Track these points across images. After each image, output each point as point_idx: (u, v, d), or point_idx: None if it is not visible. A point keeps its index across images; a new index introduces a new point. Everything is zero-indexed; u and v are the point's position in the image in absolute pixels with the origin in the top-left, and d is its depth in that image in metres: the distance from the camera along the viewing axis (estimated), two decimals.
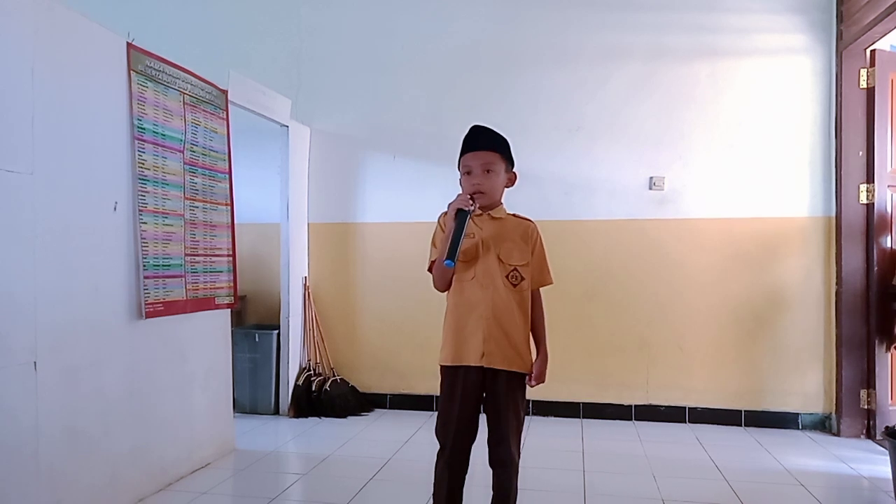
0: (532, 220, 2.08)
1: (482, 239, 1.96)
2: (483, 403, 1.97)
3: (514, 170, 2.05)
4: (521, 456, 1.99)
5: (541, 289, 2.08)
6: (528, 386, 2.00)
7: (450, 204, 1.89)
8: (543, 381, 2.00)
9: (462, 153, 1.99)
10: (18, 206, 2.09)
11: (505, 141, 2.02)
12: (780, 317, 3.87)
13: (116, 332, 2.52)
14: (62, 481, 2.24)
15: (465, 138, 2.00)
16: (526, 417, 3.89)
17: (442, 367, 2.01)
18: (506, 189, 2.07)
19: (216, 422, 3.19)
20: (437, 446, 1.99)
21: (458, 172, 2.02)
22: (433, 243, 2.02)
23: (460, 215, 1.85)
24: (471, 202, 1.88)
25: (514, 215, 2.06)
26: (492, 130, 2.01)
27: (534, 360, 2.01)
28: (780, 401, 3.87)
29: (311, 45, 4.41)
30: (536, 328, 2.03)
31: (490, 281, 1.93)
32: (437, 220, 2.03)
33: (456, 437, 1.95)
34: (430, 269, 2.02)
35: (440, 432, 1.98)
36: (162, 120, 2.77)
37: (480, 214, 1.98)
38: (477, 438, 1.98)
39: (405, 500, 2.63)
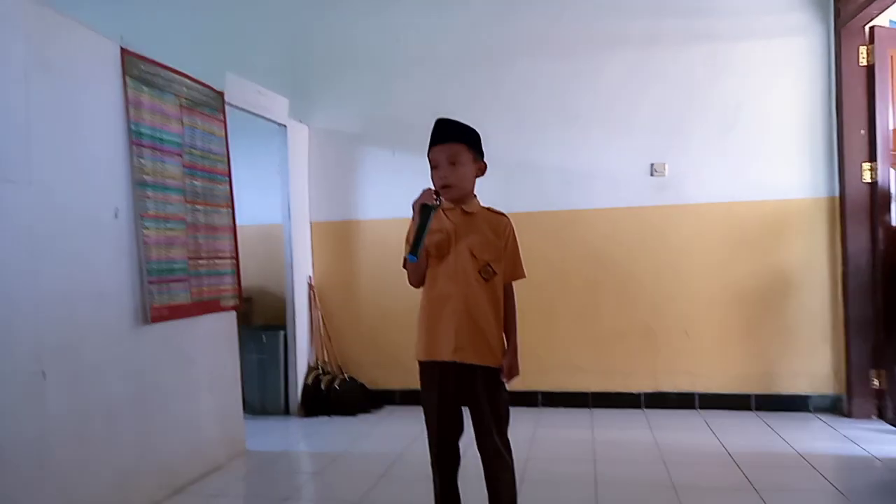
0: (505, 213, 2.06)
1: (454, 233, 1.95)
2: (463, 397, 1.96)
3: (483, 160, 2.02)
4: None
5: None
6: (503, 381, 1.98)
7: (414, 200, 1.88)
8: (517, 374, 1.98)
9: (429, 148, 1.99)
10: (18, 217, 2.09)
11: (471, 131, 1.99)
12: (787, 299, 3.86)
13: (122, 338, 2.52)
14: (71, 488, 2.25)
15: (431, 132, 1.99)
16: (534, 409, 3.95)
17: (419, 361, 2.01)
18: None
19: (226, 424, 3.20)
20: None
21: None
22: (406, 240, 1.98)
23: (424, 211, 1.84)
24: (435, 197, 1.87)
25: (487, 209, 2.04)
26: (456, 122, 1.99)
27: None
28: (789, 384, 3.86)
29: (306, 42, 4.39)
30: (507, 321, 2.01)
31: (462, 276, 1.92)
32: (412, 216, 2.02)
33: (440, 431, 1.96)
34: (404, 265, 2.00)
35: (427, 426, 2.00)
36: (159, 124, 2.76)
37: (453, 208, 1.97)
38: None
39: (417, 496, 2.63)
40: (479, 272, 1.93)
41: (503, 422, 1.97)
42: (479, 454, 1.96)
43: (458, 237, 1.95)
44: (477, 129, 2.01)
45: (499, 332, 1.98)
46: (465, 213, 1.98)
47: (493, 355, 1.95)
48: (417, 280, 2.00)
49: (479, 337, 1.92)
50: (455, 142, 1.95)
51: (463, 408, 1.99)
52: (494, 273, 1.95)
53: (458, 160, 1.94)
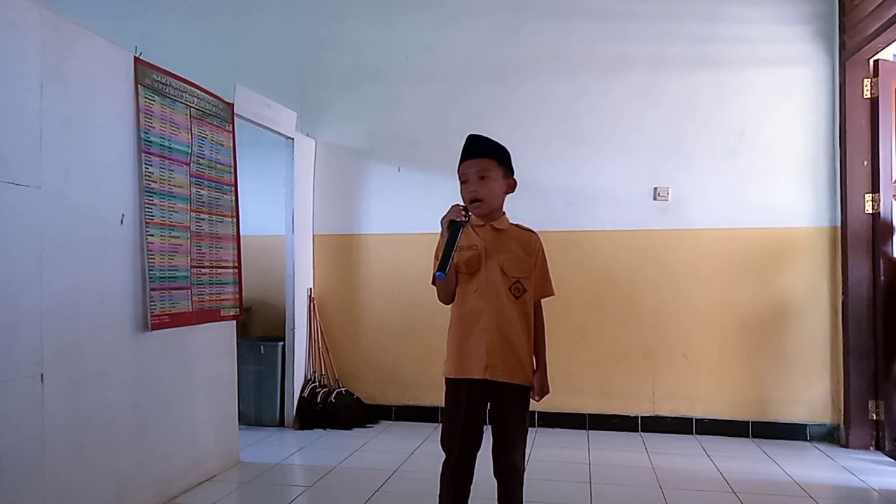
0: (535, 230, 2.07)
1: (485, 250, 1.96)
2: (488, 414, 1.97)
3: (513, 177, 2.04)
4: (528, 468, 1.99)
5: (543, 299, 2.07)
6: (532, 400, 1.99)
7: (443, 217, 1.89)
8: (548, 392, 2.00)
9: (459, 163, 2.01)
10: (26, 219, 2.10)
11: (501, 148, 2.02)
12: (786, 326, 3.86)
13: (122, 344, 2.52)
14: (67, 494, 2.24)
15: (462, 148, 2.01)
16: (531, 429, 3.93)
17: (446, 378, 2.00)
18: (507, 197, 2.06)
19: (221, 434, 3.19)
20: (443, 457, 1.99)
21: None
22: (435, 255, 2.02)
23: (453, 227, 1.85)
24: (464, 214, 1.88)
25: (516, 226, 2.06)
26: (487, 138, 2.02)
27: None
28: (787, 411, 3.85)
29: (315, 57, 4.44)
30: (537, 340, 2.02)
31: (493, 293, 1.93)
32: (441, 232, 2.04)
33: (462, 448, 1.95)
34: (433, 282, 2.01)
35: (445, 442, 1.98)
36: (169, 133, 2.79)
37: (483, 225, 1.99)
38: (482, 448, 1.98)
39: None
40: (510, 289, 1.94)
41: (523, 441, 1.97)
42: (493, 469, 1.96)
43: (489, 254, 1.95)
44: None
45: (529, 350, 1.98)
46: (496, 229, 1.99)
47: (523, 373, 1.95)
48: (447, 297, 2.00)
49: (510, 355, 1.92)
50: (485, 157, 1.97)
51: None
52: (525, 290, 1.96)
53: (488, 175, 1.96)
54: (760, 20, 3.91)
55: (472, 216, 1.94)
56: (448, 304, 2.02)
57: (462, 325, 1.96)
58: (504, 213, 2.05)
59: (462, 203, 1.96)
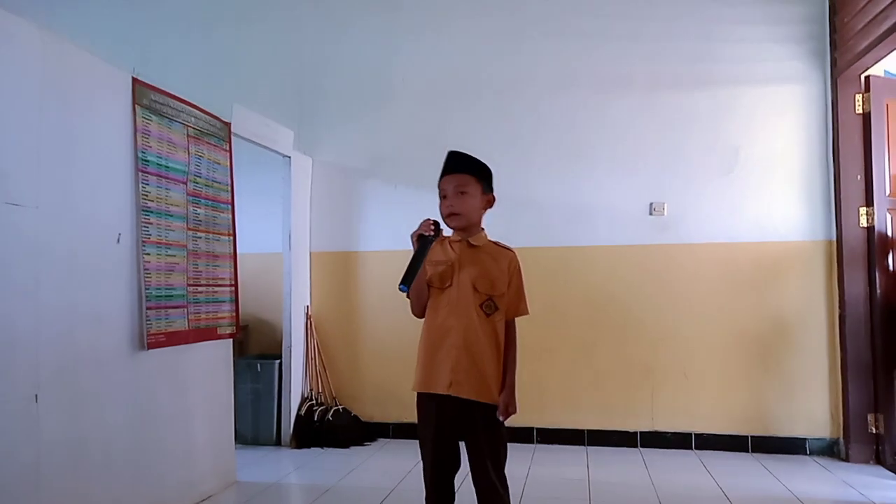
0: (512, 248, 2.07)
1: (458, 264, 1.95)
2: (460, 432, 1.95)
3: (492, 193, 2.05)
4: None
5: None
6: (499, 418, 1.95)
7: (413, 232, 1.90)
8: (514, 412, 1.95)
9: (439, 179, 2.01)
10: (23, 239, 2.11)
11: (481, 164, 2.02)
12: (784, 341, 3.86)
13: (118, 362, 2.51)
14: None
15: (443, 164, 2.02)
16: (530, 446, 3.91)
17: (416, 392, 2.00)
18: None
19: (217, 453, 3.16)
20: None
21: None
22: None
23: (421, 240, 1.85)
24: (432, 228, 1.88)
25: (494, 243, 2.05)
26: (467, 155, 2.02)
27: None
28: (786, 426, 3.83)
29: (312, 76, 4.47)
30: (506, 358, 1.99)
31: (463, 309, 1.92)
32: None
33: (435, 464, 1.94)
34: (408, 295, 2.00)
35: (422, 459, 1.98)
36: (166, 152, 2.80)
37: (459, 240, 1.99)
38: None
39: None
40: (481, 306, 1.94)
41: (500, 458, 1.95)
42: (474, 490, 1.94)
43: (462, 268, 1.95)
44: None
45: (497, 369, 1.96)
46: (471, 245, 1.99)
47: (489, 392, 1.93)
48: (419, 310, 2.00)
49: (475, 373, 1.91)
50: (464, 172, 1.98)
51: (460, 442, 1.97)
52: (496, 308, 1.95)
53: (467, 191, 1.96)
54: (754, 39, 3.96)
55: (443, 231, 1.94)
56: (420, 317, 2.02)
57: (430, 340, 1.96)
58: (482, 229, 2.05)
59: (439, 218, 1.96)
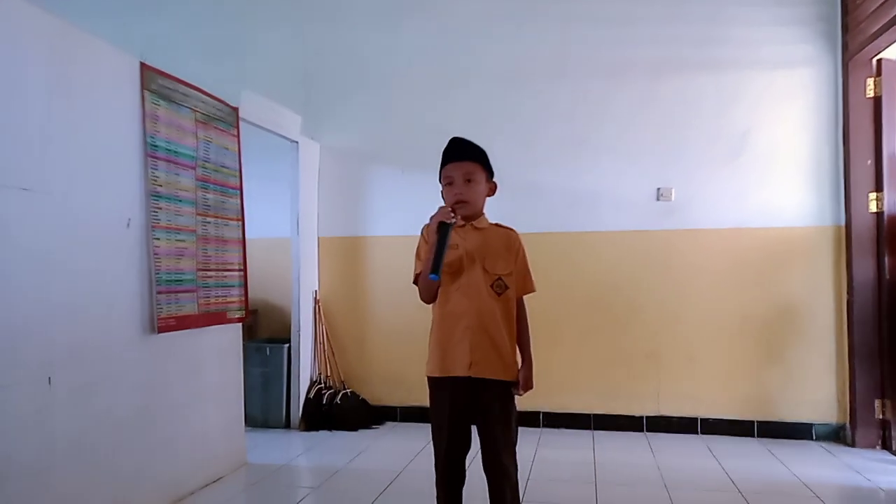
0: (514, 228, 2.10)
1: (466, 250, 1.97)
2: (473, 414, 1.98)
3: (493, 179, 2.07)
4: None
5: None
6: (515, 395, 2.00)
7: (431, 217, 1.91)
8: (531, 388, 2.01)
9: (442, 165, 2.03)
10: (33, 224, 2.13)
11: (484, 152, 2.05)
12: (791, 326, 3.85)
13: (129, 347, 2.55)
14: (75, 496, 2.26)
15: (444, 150, 2.04)
16: (536, 430, 3.94)
17: (429, 378, 2.02)
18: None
19: (228, 436, 3.21)
20: None
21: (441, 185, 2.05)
22: (417, 255, 2.04)
23: (442, 228, 1.87)
24: (452, 214, 1.90)
25: (496, 225, 2.08)
26: (471, 142, 2.04)
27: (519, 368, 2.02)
28: (792, 411, 3.84)
29: (319, 61, 4.46)
30: (521, 336, 2.05)
31: (475, 291, 1.95)
32: (420, 233, 2.06)
33: (449, 448, 1.96)
34: (415, 282, 2.03)
35: (434, 443, 2.01)
36: (175, 137, 2.81)
37: (464, 225, 2.01)
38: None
39: None
40: (492, 286, 1.96)
41: (512, 439, 1.98)
42: (483, 471, 1.97)
43: (471, 253, 1.97)
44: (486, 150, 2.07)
45: (513, 347, 2.00)
46: (476, 228, 2.02)
47: (507, 369, 1.97)
48: (430, 297, 2.02)
49: (493, 352, 1.94)
50: (471, 160, 2.00)
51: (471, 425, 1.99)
52: (507, 287, 1.98)
53: (474, 178, 1.99)
54: (763, 22, 3.91)
55: (458, 217, 1.95)
56: (430, 303, 2.04)
57: (445, 324, 1.98)
58: (483, 213, 2.08)
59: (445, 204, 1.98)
